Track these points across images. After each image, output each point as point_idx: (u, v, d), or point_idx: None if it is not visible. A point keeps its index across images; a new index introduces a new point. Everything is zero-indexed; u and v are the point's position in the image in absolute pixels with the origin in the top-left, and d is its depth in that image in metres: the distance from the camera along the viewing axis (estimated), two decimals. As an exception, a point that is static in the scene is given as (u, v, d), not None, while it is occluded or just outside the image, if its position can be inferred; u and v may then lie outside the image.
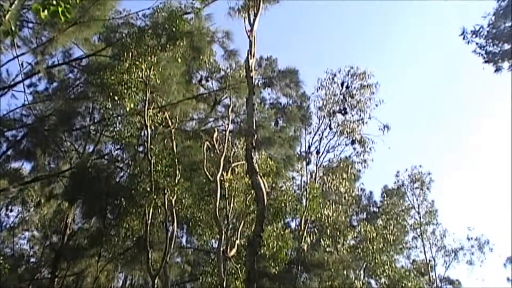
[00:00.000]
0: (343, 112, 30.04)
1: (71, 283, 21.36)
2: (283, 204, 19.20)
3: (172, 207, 16.70)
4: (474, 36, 18.19)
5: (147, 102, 16.29)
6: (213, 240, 20.39)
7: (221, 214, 17.49)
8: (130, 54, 15.74)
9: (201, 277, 19.56)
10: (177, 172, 16.92)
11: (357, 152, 31.06)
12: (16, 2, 9.33)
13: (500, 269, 40.14)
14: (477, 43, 18.27)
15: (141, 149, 18.95)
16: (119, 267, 21.01)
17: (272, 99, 27.39)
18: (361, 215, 35.18)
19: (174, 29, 16.42)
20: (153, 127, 16.95)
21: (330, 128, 30.28)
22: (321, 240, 26.54)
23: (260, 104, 22.98)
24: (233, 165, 18.49)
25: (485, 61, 18.30)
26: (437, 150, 58.79)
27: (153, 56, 15.97)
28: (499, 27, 17.90)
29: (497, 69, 18.22)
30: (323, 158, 30.48)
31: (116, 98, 15.80)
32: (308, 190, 22.07)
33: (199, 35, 17.95)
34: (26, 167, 20.58)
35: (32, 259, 23.81)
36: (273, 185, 19.47)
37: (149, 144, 16.41)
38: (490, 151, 60.97)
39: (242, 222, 18.35)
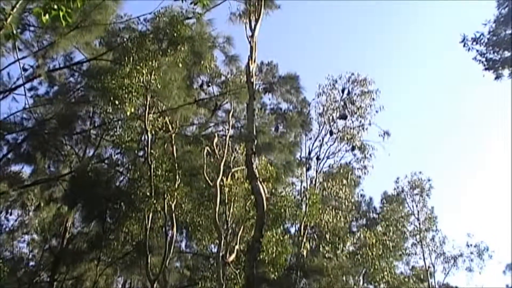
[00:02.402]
0: (343, 117, 30.02)
1: (70, 287, 21.32)
2: (282, 210, 19.17)
3: (172, 211, 16.68)
4: (474, 43, 18.25)
5: (147, 107, 16.30)
6: (212, 245, 20.41)
7: (221, 219, 17.48)
8: (131, 58, 15.74)
9: (200, 282, 19.54)
10: (177, 177, 16.91)
11: (357, 158, 31.10)
12: (17, 6, 9.36)
13: (499, 276, 40.04)
14: (477, 50, 18.33)
15: (141, 153, 18.96)
16: (118, 271, 21.00)
17: (272, 105, 27.45)
18: (361, 221, 35.14)
19: (175, 34, 16.46)
20: (153, 132, 16.95)
21: (331, 134, 30.26)
22: (321, 246, 26.51)
23: (260, 109, 23.00)
24: (233, 170, 18.48)
25: (486, 68, 18.36)
26: (437, 156, 58.83)
27: (154, 61, 15.97)
28: (499, 34, 17.96)
29: (497, 77, 18.28)
30: (323, 164, 30.46)
31: (116, 102, 15.77)
32: (307, 195, 22.05)
33: (200, 40, 17.98)
34: (26, 170, 20.61)
35: (32, 263, 23.75)
36: (273, 190, 19.46)
37: (149, 149, 16.42)
38: (490, 157, 61.01)
39: (242, 227, 18.33)
